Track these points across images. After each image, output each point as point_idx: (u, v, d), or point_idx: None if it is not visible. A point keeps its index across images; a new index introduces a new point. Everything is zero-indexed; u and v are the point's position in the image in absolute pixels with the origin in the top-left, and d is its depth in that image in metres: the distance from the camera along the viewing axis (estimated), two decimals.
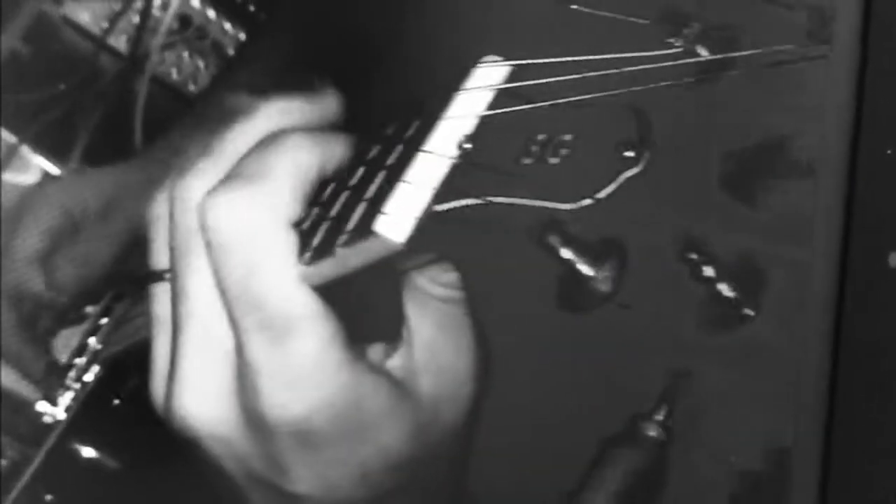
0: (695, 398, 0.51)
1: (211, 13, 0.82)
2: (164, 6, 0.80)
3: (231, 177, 0.45)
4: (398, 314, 0.48)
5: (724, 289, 0.50)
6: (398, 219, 0.40)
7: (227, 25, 0.82)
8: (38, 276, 0.63)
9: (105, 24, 0.80)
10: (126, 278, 0.60)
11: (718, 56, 0.42)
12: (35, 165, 0.80)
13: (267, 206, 0.44)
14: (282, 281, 0.44)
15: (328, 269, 0.43)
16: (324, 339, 0.44)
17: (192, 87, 0.81)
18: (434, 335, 0.48)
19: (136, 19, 0.80)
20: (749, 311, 0.50)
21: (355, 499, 0.47)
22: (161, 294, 0.49)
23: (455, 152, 0.40)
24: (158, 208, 0.49)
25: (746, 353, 0.52)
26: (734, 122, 0.50)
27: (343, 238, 0.42)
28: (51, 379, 0.66)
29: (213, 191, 0.45)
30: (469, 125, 0.41)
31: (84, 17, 0.80)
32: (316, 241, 0.44)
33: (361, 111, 0.50)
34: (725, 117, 0.50)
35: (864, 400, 0.44)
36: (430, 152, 0.41)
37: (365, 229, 0.41)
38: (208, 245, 0.45)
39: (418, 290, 0.49)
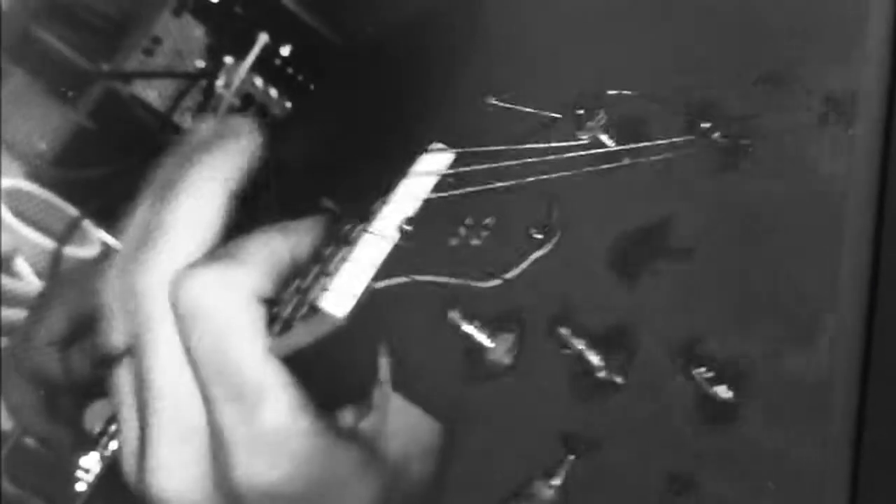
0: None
1: (273, 92, 0.83)
2: (227, 85, 0.81)
3: (204, 257, 0.47)
4: (371, 379, 0.50)
5: (594, 359, 0.53)
6: (341, 296, 0.43)
7: (288, 105, 0.83)
8: (56, 362, 0.64)
9: (169, 103, 0.82)
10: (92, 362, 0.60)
11: (619, 147, 0.48)
12: (96, 239, 0.81)
13: (237, 283, 0.45)
14: (251, 352, 0.45)
15: (292, 340, 0.45)
16: (294, 408, 0.45)
17: None
18: (401, 405, 0.50)
19: (200, 98, 0.82)
20: (617, 380, 0.52)
21: None
22: (122, 372, 0.49)
23: (397, 234, 0.43)
24: (112, 286, 0.49)
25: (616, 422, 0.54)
26: (633, 204, 0.52)
27: (302, 311, 0.44)
28: (81, 448, 0.66)
29: (186, 269, 0.46)
30: (411, 208, 0.44)
31: (151, 95, 0.82)
32: (285, 313, 0.45)
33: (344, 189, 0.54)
34: (626, 200, 0.52)
35: None
36: (375, 233, 0.44)
37: (316, 305, 0.43)
38: (179, 320, 0.46)
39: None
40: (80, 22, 0.81)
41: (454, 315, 0.47)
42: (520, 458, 0.52)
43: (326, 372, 0.48)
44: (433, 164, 0.44)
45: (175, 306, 0.45)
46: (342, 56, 0.80)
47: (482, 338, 0.48)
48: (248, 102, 0.82)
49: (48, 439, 0.66)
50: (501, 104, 0.48)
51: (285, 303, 0.45)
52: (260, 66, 0.82)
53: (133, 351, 0.48)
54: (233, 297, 0.45)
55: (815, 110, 0.49)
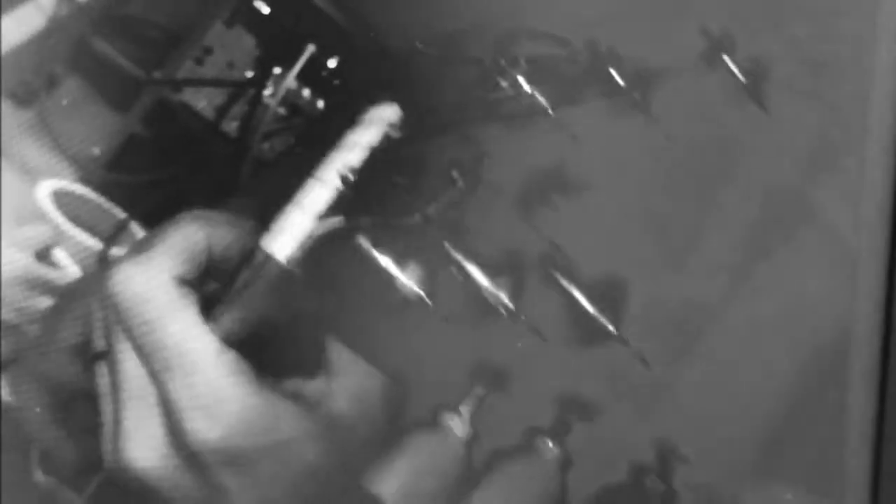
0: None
1: (320, 103, 0.84)
2: (273, 95, 0.83)
3: (129, 251, 0.55)
4: (319, 349, 0.55)
5: (486, 283, 0.59)
6: (283, 239, 0.45)
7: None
8: (73, 367, 0.66)
9: (218, 111, 0.84)
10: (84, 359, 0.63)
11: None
12: None
13: (157, 270, 0.52)
14: (180, 328, 0.51)
15: (237, 306, 0.49)
16: (229, 373, 0.51)
17: None
18: (351, 364, 0.55)
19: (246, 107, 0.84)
20: (508, 306, 0.58)
21: None
22: (101, 369, 0.56)
23: (339, 180, 0.46)
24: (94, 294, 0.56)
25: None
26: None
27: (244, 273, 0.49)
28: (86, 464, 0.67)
29: (113, 265, 0.53)
30: (356, 157, 0.47)
31: (201, 103, 0.84)
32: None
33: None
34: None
35: None
36: (318, 179, 0.46)
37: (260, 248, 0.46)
38: (115, 310, 0.53)
39: None
40: (135, 32, 0.84)
41: (364, 242, 0.50)
42: (430, 386, 0.57)
43: (275, 344, 0.52)
44: (378, 116, 0.47)
45: (111, 298, 0.52)
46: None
47: (393, 268, 0.51)
48: (293, 112, 0.84)
49: (57, 448, 0.68)
50: (429, 51, 0.51)
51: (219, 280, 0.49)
52: (307, 78, 0.83)
53: (108, 350, 0.54)
54: (154, 282, 0.51)
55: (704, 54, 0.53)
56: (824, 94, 0.65)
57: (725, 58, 0.60)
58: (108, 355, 0.54)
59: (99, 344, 0.56)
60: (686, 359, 0.64)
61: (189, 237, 0.53)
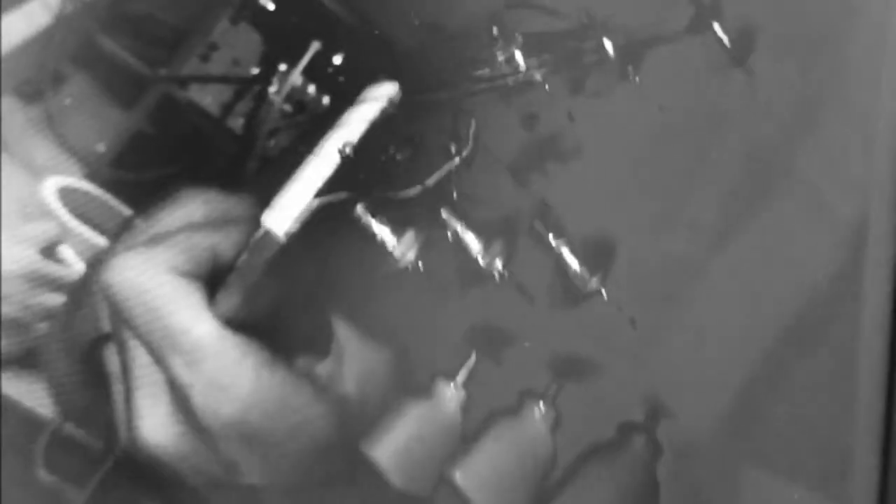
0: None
1: (325, 100, 0.84)
2: (278, 92, 0.83)
3: (126, 240, 0.57)
4: (327, 332, 0.57)
5: (475, 246, 0.62)
6: (282, 213, 0.47)
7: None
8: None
9: (223, 108, 0.84)
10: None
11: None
12: None
13: (157, 260, 0.53)
14: (185, 315, 0.52)
15: (234, 289, 0.49)
16: (237, 352, 0.52)
17: None
18: (359, 347, 0.58)
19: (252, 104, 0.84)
20: (499, 270, 0.59)
21: (302, 483, 0.55)
22: (110, 355, 0.57)
23: (338, 155, 0.47)
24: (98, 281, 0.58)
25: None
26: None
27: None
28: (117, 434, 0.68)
29: (112, 255, 0.55)
30: (355, 132, 0.48)
31: (206, 100, 0.84)
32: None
33: None
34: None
35: None
36: (318, 155, 0.47)
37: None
38: (116, 300, 0.54)
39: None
40: (141, 29, 0.84)
41: (361, 210, 0.51)
42: (426, 353, 0.59)
43: (284, 324, 0.54)
44: (376, 93, 0.48)
45: (105, 291, 0.54)
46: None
47: (387, 235, 0.53)
48: (299, 109, 0.84)
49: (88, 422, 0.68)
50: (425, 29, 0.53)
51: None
52: (312, 74, 0.83)
53: (114, 334, 0.56)
54: (154, 271, 0.52)
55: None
56: (808, 59, 0.67)
57: (715, 25, 0.62)
58: (114, 338, 0.56)
59: (106, 327, 0.58)
60: (671, 316, 0.66)
61: (192, 225, 0.56)
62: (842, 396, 0.61)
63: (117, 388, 0.56)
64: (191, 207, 0.56)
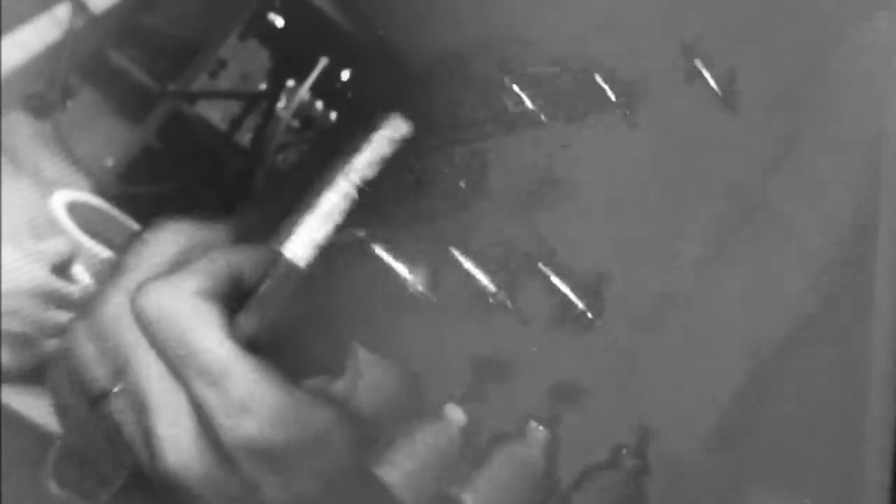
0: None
1: (333, 116, 0.85)
2: (286, 107, 0.83)
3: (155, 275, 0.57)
4: (342, 351, 0.58)
5: (485, 281, 0.60)
6: (302, 245, 0.48)
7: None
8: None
9: (232, 124, 0.84)
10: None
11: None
12: None
13: (183, 285, 0.54)
14: (207, 337, 0.53)
15: (254, 314, 0.50)
16: (257, 377, 0.53)
17: None
18: (372, 364, 0.58)
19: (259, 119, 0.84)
20: (508, 304, 0.63)
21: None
22: (117, 403, 0.57)
23: (356, 191, 0.48)
24: (84, 333, 0.59)
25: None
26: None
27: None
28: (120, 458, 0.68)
29: (139, 286, 0.55)
30: (371, 169, 0.50)
31: (215, 116, 0.85)
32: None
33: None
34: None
35: None
36: (335, 189, 0.48)
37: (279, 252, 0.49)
38: (145, 326, 0.55)
39: None
40: (150, 44, 0.85)
41: (380, 249, 0.53)
42: (434, 378, 0.61)
43: (300, 347, 0.56)
44: (392, 131, 0.49)
45: (138, 317, 0.54)
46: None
47: (404, 271, 0.55)
48: (307, 124, 0.84)
49: (90, 445, 0.68)
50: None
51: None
52: (320, 90, 0.84)
53: (121, 376, 0.56)
54: (181, 295, 0.54)
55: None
56: (791, 101, 0.70)
57: (702, 69, 0.64)
58: (120, 391, 0.57)
59: (103, 385, 0.58)
60: (659, 343, 0.69)
61: (214, 258, 0.56)
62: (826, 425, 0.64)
63: (132, 429, 0.57)
64: (206, 232, 0.58)
